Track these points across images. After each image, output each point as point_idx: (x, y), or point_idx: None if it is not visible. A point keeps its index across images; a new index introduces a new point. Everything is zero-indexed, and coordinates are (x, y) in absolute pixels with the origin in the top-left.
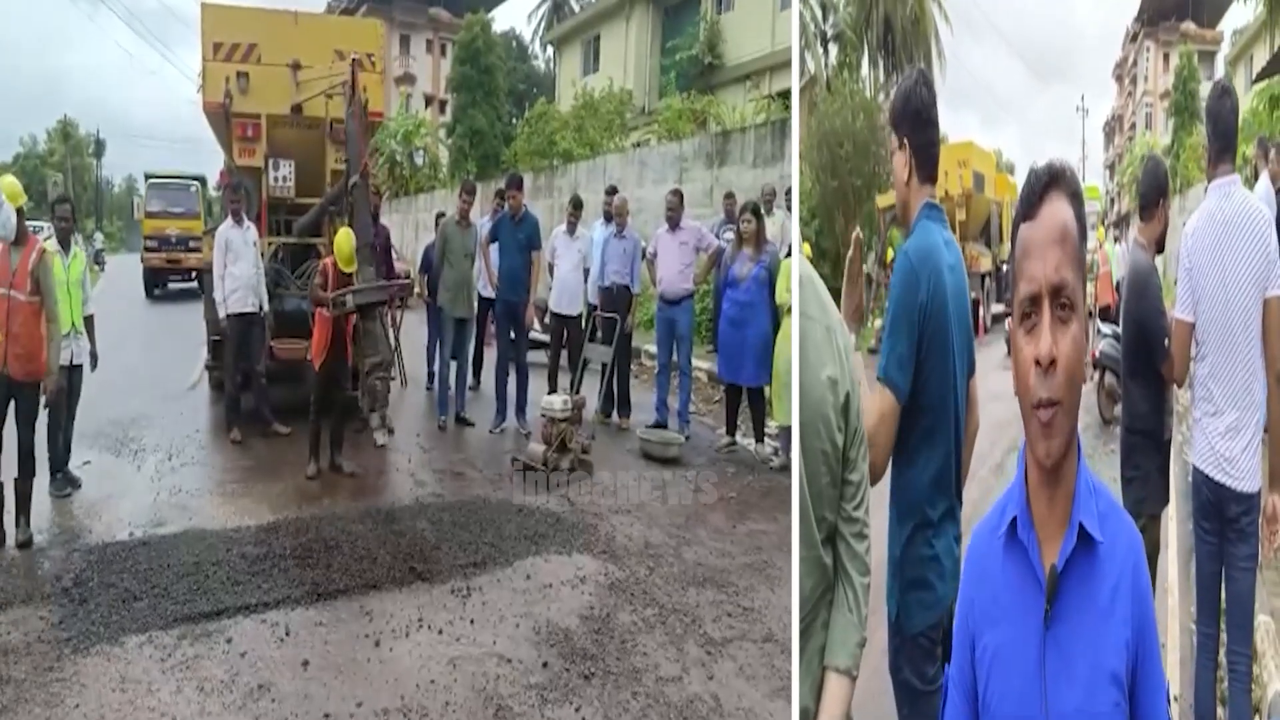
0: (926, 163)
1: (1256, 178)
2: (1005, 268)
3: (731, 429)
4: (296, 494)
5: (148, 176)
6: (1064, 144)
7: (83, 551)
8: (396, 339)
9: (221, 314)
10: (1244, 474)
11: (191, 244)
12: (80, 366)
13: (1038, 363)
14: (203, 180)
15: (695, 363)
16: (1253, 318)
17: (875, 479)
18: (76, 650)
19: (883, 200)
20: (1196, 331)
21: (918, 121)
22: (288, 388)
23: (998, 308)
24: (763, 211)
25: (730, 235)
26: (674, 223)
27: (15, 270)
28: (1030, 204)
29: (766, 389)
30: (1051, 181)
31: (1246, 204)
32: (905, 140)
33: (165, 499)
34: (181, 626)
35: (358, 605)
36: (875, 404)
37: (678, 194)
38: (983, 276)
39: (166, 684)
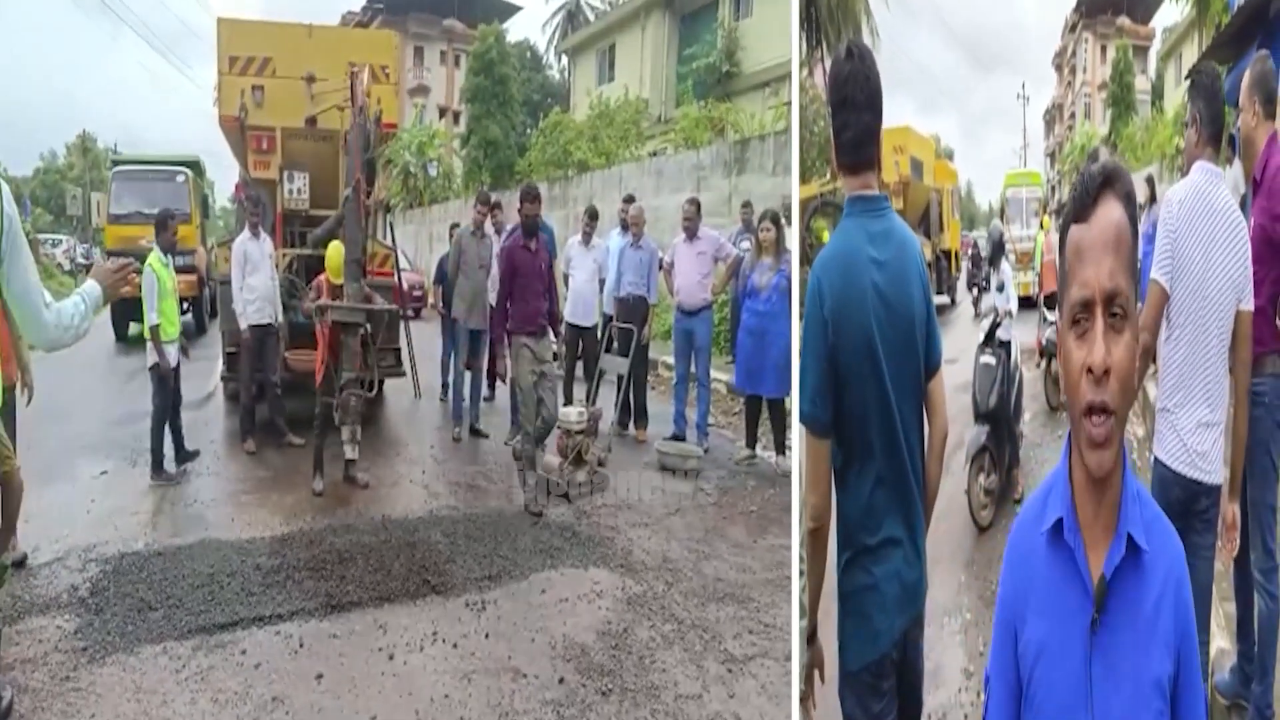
0: (845, 148)
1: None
2: (970, 251)
3: (752, 441)
4: (310, 505)
5: (114, 163)
6: (1005, 131)
7: (99, 561)
8: (411, 353)
9: (243, 325)
10: (1214, 467)
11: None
12: (179, 367)
13: (1089, 370)
14: (196, 166)
15: (714, 374)
16: (1228, 318)
17: (817, 520)
18: (93, 660)
19: (803, 191)
20: (1171, 310)
21: (833, 100)
22: (301, 399)
23: (940, 299)
24: (782, 220)
25: (748, 244)
26: (691, 232)
27: None
28: (1083, 205)
29: (787, 400)
30: (1106, 182)
31: (1232, 209)
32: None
33: (180, 509)
34: (196, 637)
35: (371, 618)
36: (805, 444)
37: (695, 203)
38: None
39: (181, 695)
